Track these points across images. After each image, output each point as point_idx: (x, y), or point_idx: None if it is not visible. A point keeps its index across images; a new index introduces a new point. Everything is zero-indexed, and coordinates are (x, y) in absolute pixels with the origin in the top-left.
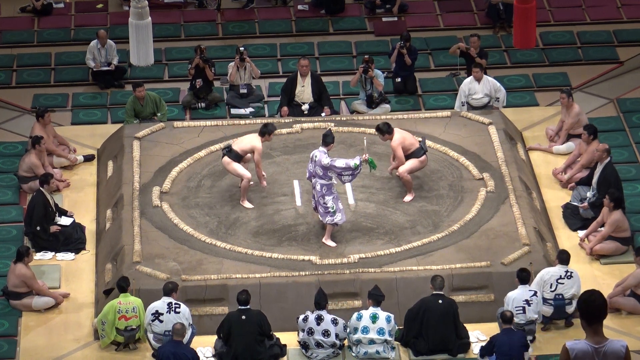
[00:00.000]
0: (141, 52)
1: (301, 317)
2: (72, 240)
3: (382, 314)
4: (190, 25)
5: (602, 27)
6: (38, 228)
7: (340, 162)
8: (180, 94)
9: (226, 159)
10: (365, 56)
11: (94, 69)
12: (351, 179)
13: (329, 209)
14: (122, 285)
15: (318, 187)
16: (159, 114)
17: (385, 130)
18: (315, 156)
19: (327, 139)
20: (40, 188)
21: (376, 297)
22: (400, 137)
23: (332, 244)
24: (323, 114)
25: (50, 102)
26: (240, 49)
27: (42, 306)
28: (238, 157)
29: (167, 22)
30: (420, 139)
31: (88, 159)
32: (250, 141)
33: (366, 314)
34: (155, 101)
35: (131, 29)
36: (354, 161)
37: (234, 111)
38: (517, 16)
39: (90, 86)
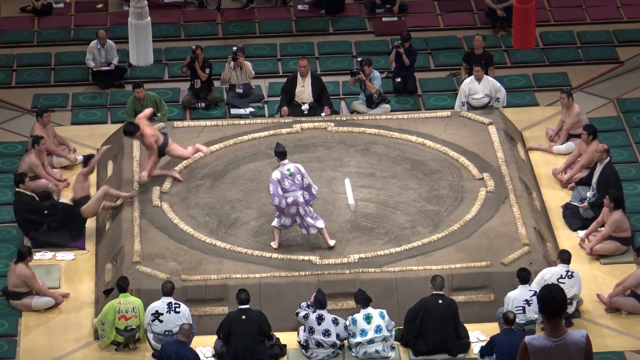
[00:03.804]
0: (141, 52)
1: (301, 313)
2: (70, 218)
3: (375, 312)
4: (190, 25)
5: (602, 27)
6: (46, 212)
7: (314, 189)
8: (180, 94)
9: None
10: (359, 58)
11: (94, 69)
12: (307, 202)
13: (314, 215)
14: (122, 285)
15: (305, 198)
16: (159, 114)
17: (132, 131)
18: (300, 169)
19: (282, 154)
20: (17, 189)
21: (364, 300)
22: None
23: (332, 242)
24: (323, 114)
25: (50, 102)
26: (233, 48)
27: (42, 306)
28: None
29: (167, 22)
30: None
31: (88, 158)
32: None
33: (359, 317)
34: (156, 101)
35: (131, 29)
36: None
37: (234, 111)
38: (517, 16)
39: (90, 86)
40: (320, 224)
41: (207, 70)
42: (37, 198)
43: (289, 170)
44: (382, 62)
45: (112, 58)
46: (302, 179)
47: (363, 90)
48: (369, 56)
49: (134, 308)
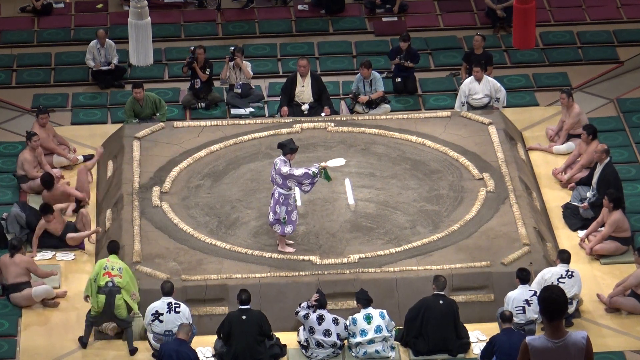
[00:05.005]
0: (140, 52)
1: (302, 313)
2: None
3: (375, 312)
4: (190, 25)
5: (602, 27)
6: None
7: (299, 171)
8: (180, 94)
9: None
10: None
11: (94, 69)
12: (310, 188)
13: (280, 219)
14: (112, 247)
15: (276, 195)
16: (158, 115)
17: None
18: (276, 164)
19: (285, 149)
20: None
21: (364, 300)
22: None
23: (290, 249)
24: (323, 114)
25: (50, 102)
26: (231, 48)
27: (43, 295)
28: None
29: (167, 22)
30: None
31: (88, 159)
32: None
33: (359, 317)
34: (155, 102)
35: (130, 29)
36: (313, 169)
37: (234, 111)
38: (517, 16)
39: (90, 86)
40: (278, 228)
41: (208, 71)
42: None
43: (275, 163)
44: (382, 62)
45: (112, 58)
46: (280, 180)
47: (364, 92)
48: (369, 56)
49: (119, 268)
